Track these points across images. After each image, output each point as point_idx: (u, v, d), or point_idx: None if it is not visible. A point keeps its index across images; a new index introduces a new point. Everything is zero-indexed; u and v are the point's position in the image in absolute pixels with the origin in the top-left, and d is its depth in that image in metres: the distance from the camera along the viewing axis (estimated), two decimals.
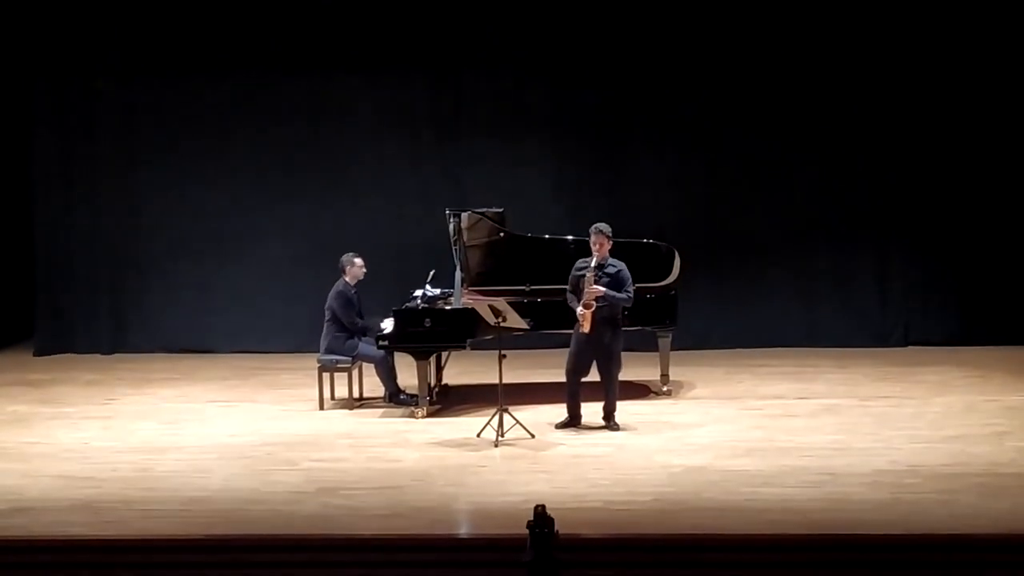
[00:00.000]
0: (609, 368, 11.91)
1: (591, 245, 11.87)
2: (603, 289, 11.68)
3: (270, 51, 15.97)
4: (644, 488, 10.21)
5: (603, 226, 11.88)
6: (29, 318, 16.61)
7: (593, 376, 12.01)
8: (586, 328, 11.71)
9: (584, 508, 9.67)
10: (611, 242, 11.89)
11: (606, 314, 11.75)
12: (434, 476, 10.67)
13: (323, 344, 13.07)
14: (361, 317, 13.14)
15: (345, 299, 13.02)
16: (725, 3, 15.63)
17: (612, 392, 11.98)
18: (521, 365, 13.49)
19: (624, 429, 11.94)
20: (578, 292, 11.84)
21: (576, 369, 11.98)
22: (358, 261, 13.18)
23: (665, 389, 13.30)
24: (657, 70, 15.68)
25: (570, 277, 12.00)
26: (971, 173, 15.52)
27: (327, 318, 13.08)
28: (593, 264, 11.74)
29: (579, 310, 11.72)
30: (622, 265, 11.91)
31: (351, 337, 13.01)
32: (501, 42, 15.81)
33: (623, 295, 11.82)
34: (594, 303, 11.65)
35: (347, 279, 13.10)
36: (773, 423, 12.15)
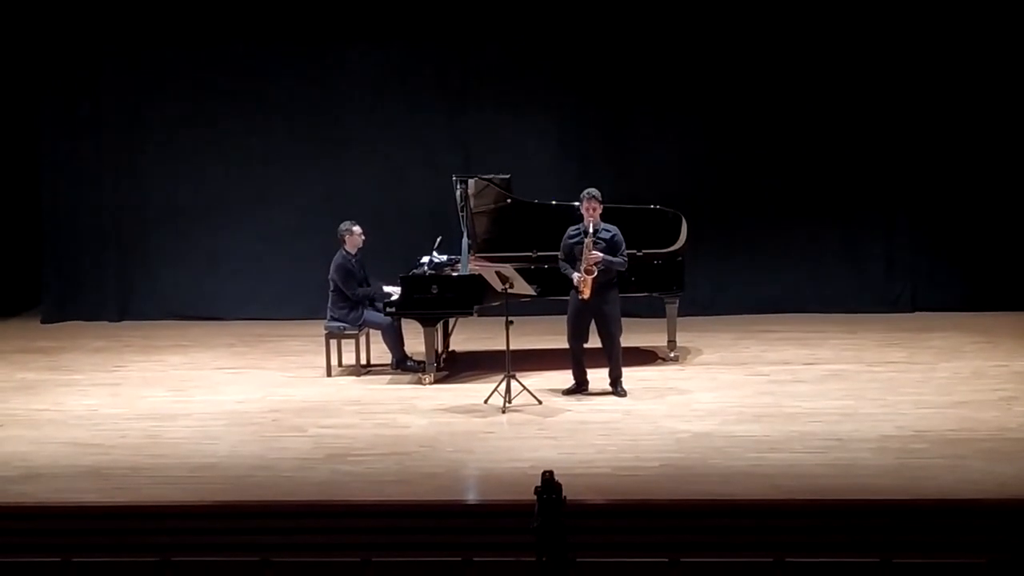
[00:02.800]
0: (609, 332, 11.89)
1: (583, 211, 11.81)
2: (602, 255, 11.66)
3: (278, 18, 15.92)
4: (651, 454, 10.23)
5: (594, 191, 11.84)
6: (36, 286, 16.63)
7: (597, 343, 12.01)
8: (586, 294, 11.69)
9: (591, 474, 9.70)
10: (602, 206, 11.86)
11: (601, 279, 11.74)
12: (442, 442, 10.70)
13: (329, 313, 13.08)
14: (367, 283, 13.14)
15: (345, 271, 13.00)
16: None
17: (616, 357, 11.98)
18: (528, 331, 13.48)
19: (631, 395, 11.95)
20: (571, 259, 11.83)
21: (576, 335, 11.97)
22: (356, 229, 13.15)
23: (672, 355, 13.30)
24: (665, 37, 15.61)
25: (562, 244, 11.97)
26: (980, 138, 15.45)
27: (331, 288, 13.08)
28: (590, 230, 11.72)
29: (577, 276, 11.70)
30: (615, 229, 11.89)
31: (356, 307, 13.00)
32: (508, 9, 15.75)
33: (619, 260, 11.81)
34: (595, 269, 11.63)
35: (347, 248, 13.09)
36: (780, 389, 12.16)
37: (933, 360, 13.14)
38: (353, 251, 13.10)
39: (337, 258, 13.06)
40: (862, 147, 15.56)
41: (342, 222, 13.22)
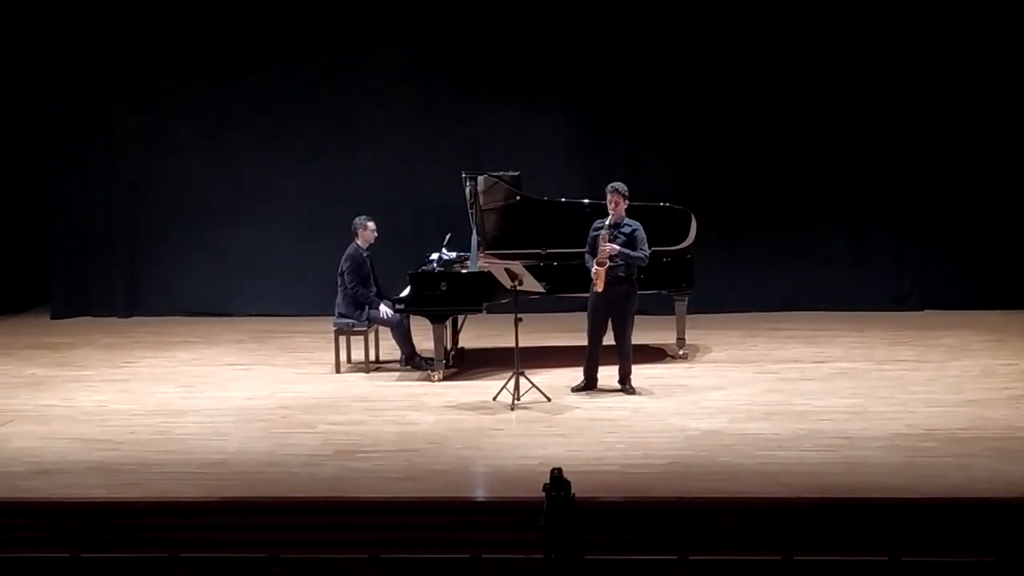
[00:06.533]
0: (623, 328, 11.89)
1: (607, 204, 11.85)
2: (617, 247, 11.66)
3: (287, 14, 15.95)
4: (660, 451, 10.23)
5: (619, 185, 11.87)
6: (46, 282, 16.66)
7: (608, 339, 12.01)
8: (599, 286, 11.70)
9: (600, 471, 9.69)
10: (627, 201, 11.87)
11: (621, 274, 11.74)
12: (450, 439, 10.69)
13: (337, 309, 13.08)
14: (376, 283, 13.13)
15: (355, 262, 13.01)
16: None
17: (626, 354, 11.98)
18: (537, 328, 13.50)
19: (640, 392, 11.94)
20: (595, 252, 11.84)
21: (595, 329, 11.97)
22: (371, 224, 13.17)
23: (681, 352, 13.30)
24: (674, 36, 15.62)
25: (588, 238, 11.98)
26: (988, 137, 15.45)
27: (340, 283, 13.08)
28: (608, 223, 11.73)
29: (593, 268, 11.71)
30: (637, 225, 11.89)
31: (362, 303, 13.00)
32: (518, 8, 15.75)
33: (638, 254, 11.79)
34: (608, 261, 11.63)
35: (359, 242, 13.10)
36: (789, 387, 12.15)
37: (942, 358, 13.13)
38: (365, 246, 13.10)
39: (349, 249, 13.07)
40: (871, 146, 15.57)
41: (357, 216, 13.22)
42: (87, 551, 8.25)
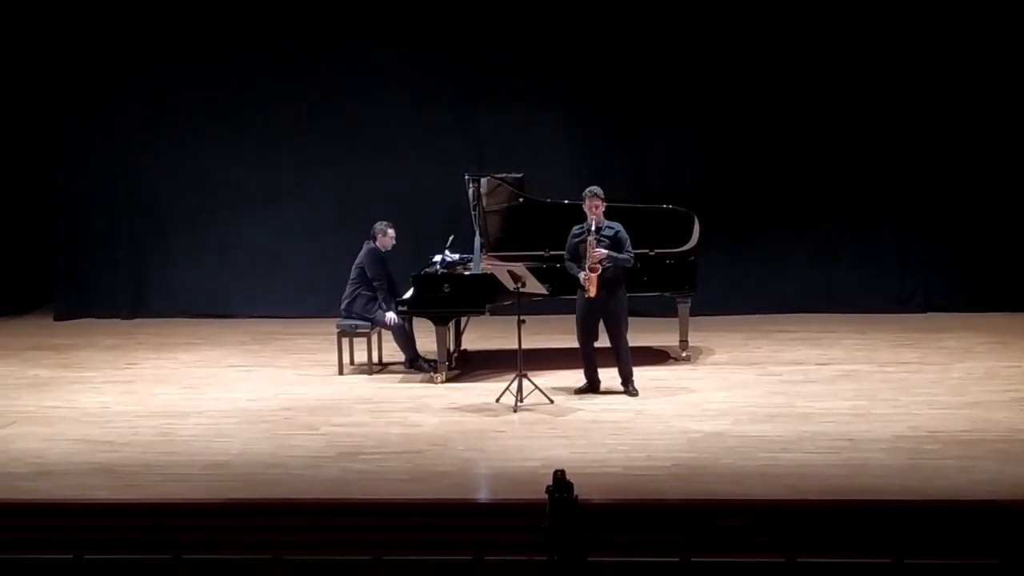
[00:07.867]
0: (617, 330, 11.88)
1: (585, 209, 11.80)
2: (606, 252, 11.65)
3: (293, 15, 15.94)
4: (663, 453, 10.22)
5: (596, 189, 11.82)
6: (49, 283, 16.67)
7: (605, 342, 11.99)
8: (592, 292, 11.67)
9: (603, 473, 9.69)
10: (605, 204, 11.84)
11: (609, 276, 11.72)
12: (453, 441, 10.69)
13: (344, 304, 13.03)
14: (392, 283, 13.11)
15: (377, 256, 12.99)
16: None
17: (624, 355, 11.96)
18: (540, 330, 13.47)
19: (643, 394, 11.93)
20: (577, 258, 11.82)
21: (585, 331, 11.95)
22: (391, 231, 13.15)
23: (684, 355, 13.28)
24: (677, 37, 15.60)
25: (567, 244, 11.97)
26: (993, 139, 15.42)
27: (352, 277, 13.06)
28: (592, 228, 11.71)
29: (583, 275, 11.69)
30: (619, 226, 11.87)
31: (374, 299, 12.99)
32: (522, 9, 15.74)
33: (625, 256, 11.78)
34: (599, 267, 11.62)
35: (378, 244, 13.09)
36: (792, 389, 12.14)
37: (945, 360, 13.11)
38: (382, 250, 13.09)
39: (370, 244, 13.03)
40: (875, 147, 15.54)
41: (377, 221, 13.19)
42: (90, 552, 8.26)
